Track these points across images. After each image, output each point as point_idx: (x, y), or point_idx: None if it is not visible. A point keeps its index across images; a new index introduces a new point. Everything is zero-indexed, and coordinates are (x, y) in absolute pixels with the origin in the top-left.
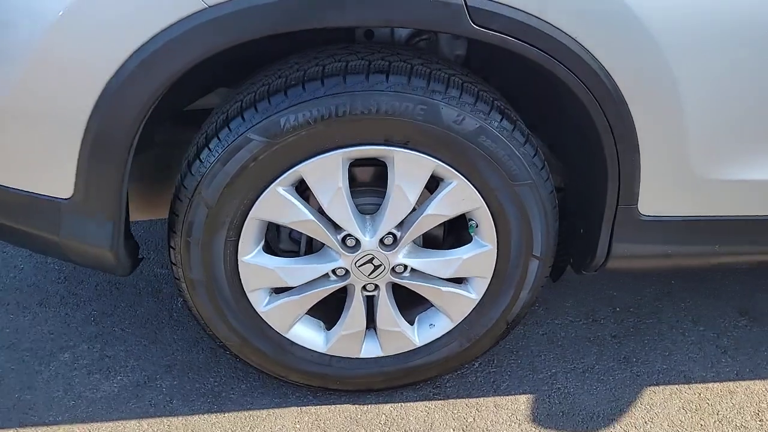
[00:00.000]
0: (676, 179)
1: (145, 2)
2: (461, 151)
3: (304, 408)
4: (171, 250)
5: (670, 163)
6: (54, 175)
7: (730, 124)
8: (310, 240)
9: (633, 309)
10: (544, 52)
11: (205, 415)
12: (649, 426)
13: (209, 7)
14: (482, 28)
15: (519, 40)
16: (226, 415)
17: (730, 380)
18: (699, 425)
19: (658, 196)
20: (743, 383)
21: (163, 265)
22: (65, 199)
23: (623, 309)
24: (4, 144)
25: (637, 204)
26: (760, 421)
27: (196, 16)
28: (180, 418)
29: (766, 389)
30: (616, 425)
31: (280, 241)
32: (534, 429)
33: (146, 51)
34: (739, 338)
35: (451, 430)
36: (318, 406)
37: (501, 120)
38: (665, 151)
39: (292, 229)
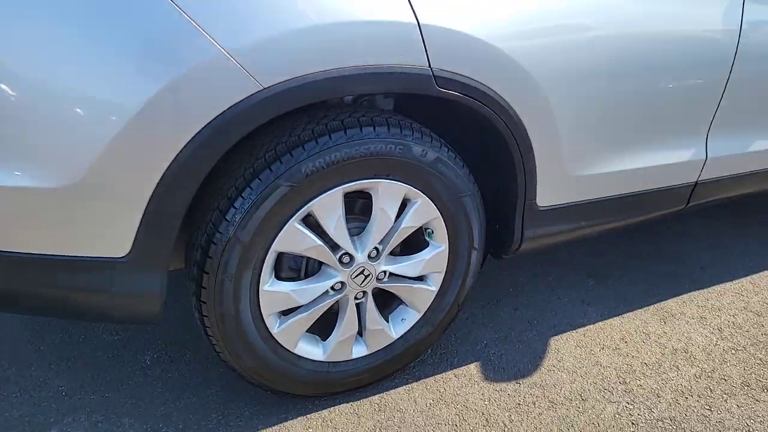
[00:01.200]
0: (557, 178)
1: (199, 93)
2: (425, 177)
3: (308, 415)
4: (202, 290)
5: (553, 167)
6: (112, 239)
7: (587, 138)
8: (306, 263)
9: (519, 288)
10: (480, 102)
11: None
12: (560, 363)
13: (264, 88)
14: (443, 89)
15: (466, 95)
16: None
17: (598, 321)
18: (591, 354)
19: (548, 191)
20: (606, 322)
21: (111, 332)
22: (121, 258)
23: (514, 289)
24: (67, 216)
25: (536, 199)
26: (625, 342)
27: (253, 96)
28: None
29: (621, 323)
30: (540, 368)
31: (282, 269)
32: (487, 385)
33: (203, 135)
34: (593, 294)
35: (431, 400)
36: (320, 411)
37: (448, 151)
38: (550, 159)
39: (292, 257)
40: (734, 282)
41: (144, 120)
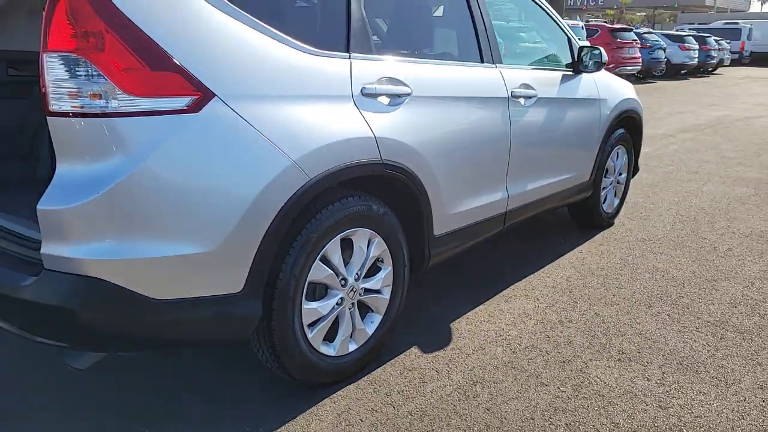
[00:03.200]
0: (442, 215)
1: (282, 185)
2: (378, 224)
3: (330, 396)
4: (273, 311)
5: (439, 208)
6: (234, 281)
7: (451, 189)
8: (315, 289)
9: (424, 288)
10: (402, 174)
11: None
12: (478, 327)
13: (310, 179)
14: (387, 170)
15: (395, 171)
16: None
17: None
18: (477, 326)
19: (439, 224)
20: (485, 305)
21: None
22: (238, 292)
23: (423, 300)
24: (210, 269)
25: (433, 230)
26: (501, 310)
27: (305, 184)
28: None
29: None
30: (475, 334)
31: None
32: (441, 352)
33: (282, 211)
34: (453, 286)
35: (401, 367)
36: (338, 391)
37: (387, 208)
38: (437, 203)
39: (313, 285)
40: (526, 280)
41: (254, 206)
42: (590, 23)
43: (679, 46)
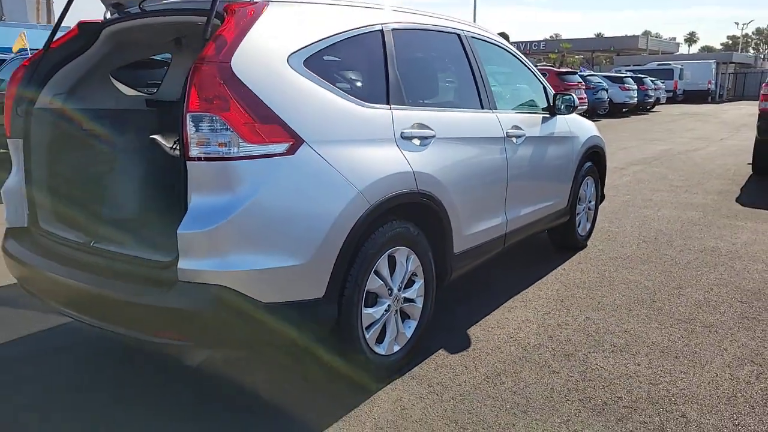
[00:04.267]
0: (459, 235)
1: (351, 211)
2: (414, 243)
3: (382, 389)
4: (341, 317)
5: (457, 229)
6: (318, 287)
7: (465, 213)
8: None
9: (438, 303)
10: (430, 200)
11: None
12: (484, 333)
13: (371, 205)
14: (421, 197)
15: (426, 198)
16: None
17: (487, 315)
18: (489, 329)
19: (457, 243)
20: (492, 314)
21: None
22: (321, 297)
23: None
24: (304, 278)
25: (453, 249)
26: (506, 318)
27: (367, 209)
28: None
29: (493, 313)
30: (489, 337)
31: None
32: (464, 351)
33: (352, 232)
34: (483, 295)
35: (441, 367)
36: (387, 386)
37: (419, 229)
38: (456, 225)
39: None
40: (522, 293)
41: (333, 227)
42: (538, 67)
43: (619, 87)
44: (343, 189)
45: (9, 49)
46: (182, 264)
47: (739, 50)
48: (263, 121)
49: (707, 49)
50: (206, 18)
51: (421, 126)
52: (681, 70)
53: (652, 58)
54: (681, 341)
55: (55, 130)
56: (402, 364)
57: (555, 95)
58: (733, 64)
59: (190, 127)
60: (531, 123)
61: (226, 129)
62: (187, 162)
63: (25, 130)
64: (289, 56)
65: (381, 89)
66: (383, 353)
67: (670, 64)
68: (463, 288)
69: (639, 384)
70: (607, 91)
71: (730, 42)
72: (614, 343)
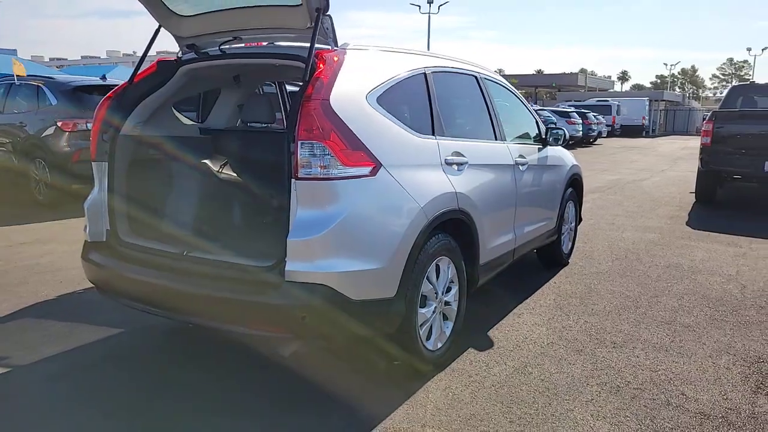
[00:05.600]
0: (484, 248)
1: (416, 224)
2: (453, 254)
3: (431, 379)
4: (405, 316)
5: (483, 243)
6: (392, 286)
7: (487, 228)
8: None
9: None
10: (465, 216)
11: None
12: (511, 331)
13: (429, 219)
14: (460, 214)
15: (463, 214)
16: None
17: (502, 320)
18: (506, 333)
19: (483, 255)
20: (505, 320)
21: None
22: (393, 296)
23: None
24: (383, 280)
25: (479, 260)
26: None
27: (426, 222)
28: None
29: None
30: (508, 338)
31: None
32: (491, 349)
33: (416, 241)
34: (501, 302)
35: (474, 362)
36: (434, 376)
37: (455, 242)
38: (482, 238)
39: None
40: (521, 305)
41: (404, 236)
42: None
43: (566, 121)
44: (410, 205)
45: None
46: (290, 266)
47: (668, 89)
48: (353, 148)
49: (638, 87)
50: (305, 64)
51: (457, 154)
52: (618, 106)
53: (590, 95)
54: (667, 338)
55: (136, 154)
56: (444, 359)
57: (547, 129)
58: (664, 102)
59: (300, 153)
60: (530, 152)
61: (327, 154)
62: (297, 181)
63: (110, 154)
64: (367, 94)
65: (427, 122)
66: (431, 348)
67: (608, 101)
68: (477, 299)
69: (642, 371)
70: (555, 124)
71: (659, 81)
72: (614, 341)
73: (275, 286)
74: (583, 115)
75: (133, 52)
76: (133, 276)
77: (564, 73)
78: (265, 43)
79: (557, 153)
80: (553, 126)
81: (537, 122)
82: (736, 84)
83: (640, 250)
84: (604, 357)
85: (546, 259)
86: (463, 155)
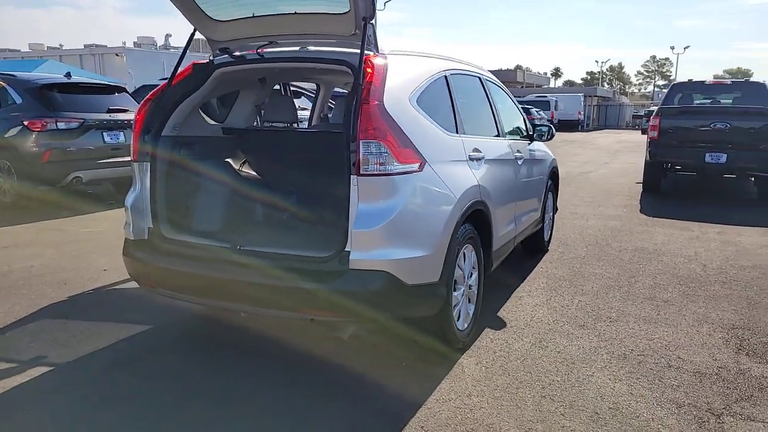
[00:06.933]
0: (496, 235)
1: (456, 211)
2: (475, 242)
3: (462, 355)
4: (443, 298)
5: (496, 230)
6: (437, 272)
7: (499, 216)
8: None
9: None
10: (484, 205)
11: (431, 399)
12: (517, 312)
13: (463, 209)
14: (481, 205)
15: (484, 204)
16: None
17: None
18: (514, 319)
19: (495, 242)
20: (509, 303)
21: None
22: (438, 280)
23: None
24: (429, 266)
25: (493, 247)
26: (527, 300)
27: (461, 210)
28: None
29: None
30: (518, 318)
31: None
32: (506, 328)
33: (456, 227)
34: (498, 292)
35: (495, 339)
36: (465, 353)
37: (475, 231)
38: (495, 226)
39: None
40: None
41: (445, 226)
42: None
43: None
44: (448, 198)
45: None
46: (354, 255)
47: (599, 85)
48: (404, 146)
49: (570, 83)
50: (355, 69)
51: (476, 150)
52: (556, 101)
53: (528, 91)
54: (653, 312)
55: (176, 154)
56: (471, 338)
57: (534, 126)
58: (597, 98)
59: (362, 152)
60: (522, 147)
61: (385, 152)
62: (358, 177)
63: (152, 154)
64: (409, 96)
65: (452, 121)
66: (461, 329)
67: (546, 96)
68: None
69: (640, 340)
70: None
71: (589, 77)
72: (609, 316)
73: (339, 274)
74: (527, 111)
75: (60, 45)
76: (183, 270)
77: (501, 70)
78: (297, 48)
79: (542, 147)
80: (539, 123)
81: (524, 119)
82: (676, 82)
83: (608, 236)
84: (605, 330)
85: (530, 246)
86: (480, 151)
